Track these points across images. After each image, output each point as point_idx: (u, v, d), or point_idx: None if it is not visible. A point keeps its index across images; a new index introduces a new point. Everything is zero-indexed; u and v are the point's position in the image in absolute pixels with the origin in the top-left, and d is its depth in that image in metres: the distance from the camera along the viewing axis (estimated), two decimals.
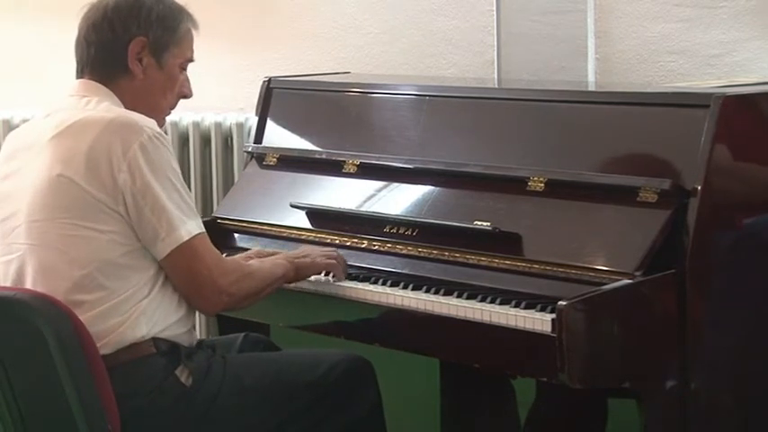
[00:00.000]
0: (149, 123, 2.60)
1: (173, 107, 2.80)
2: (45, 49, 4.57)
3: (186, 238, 2.57)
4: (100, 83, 2.70)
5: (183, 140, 4.16)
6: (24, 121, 4.25)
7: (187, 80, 2.80)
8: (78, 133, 2.58)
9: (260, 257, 2.90)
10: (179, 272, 2.61)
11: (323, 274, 2.92)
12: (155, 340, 2.59)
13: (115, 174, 2.53)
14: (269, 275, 2.76)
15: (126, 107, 2.68)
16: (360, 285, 2.89)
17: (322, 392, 2.74)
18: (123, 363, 2.55)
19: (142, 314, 2.57)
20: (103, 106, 2.64)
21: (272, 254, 2.92)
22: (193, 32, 2.78)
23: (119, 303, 2.56)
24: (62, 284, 2.53)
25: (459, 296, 2.75)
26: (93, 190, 2.54)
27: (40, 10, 4.59)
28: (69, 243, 2.55)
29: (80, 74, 2.73)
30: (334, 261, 2.90)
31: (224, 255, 2.80)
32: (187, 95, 2.80)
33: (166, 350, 2.61)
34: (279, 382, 2.72)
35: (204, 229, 2.64)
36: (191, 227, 2.59)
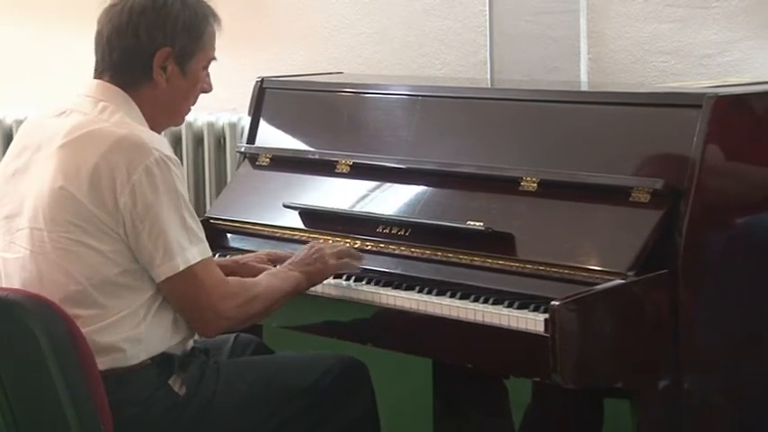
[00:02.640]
0: (159, 145, 2.55)
1: (193, 105, 2.76)
2: (40, 49, 4.56)
3: (182, 267, 2.53)
4: (120, 87, 2.63)
5: (175, 141, 4.16)
6: (18, 122, 4.24)
7: (208, 76, 2.74)
8: (86, 147, 2.53)
9: (272, 259, 2.90)
10: (176, 297, 2.58)
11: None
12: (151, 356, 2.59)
13: (117, 196, 2.50)
14: (276, 294, 2.71)
15: (145, 113, 2.64)
16: (352, 285, 2.89)
17: (317, 396, 2.74)
18: (117, 373, 2.53)
19: (140, 342, 2.55)
20: (117, 118, 2.58)
21: (287, 256, 2.89)
22: (217, 31, 2.72)
23: (114, 323, 2.53)
24: (56, 296, 2.49)
25: (451, 296, 2.75)
26: (95, 208, 2.51)
27: (37, 11, 4.59)
28: (67, 257, 2.53)
29: (99, 74, 2.66)
30: (346, 260, 2.86)
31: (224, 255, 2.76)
32: (207, 90, 2.75)
33: (160, 361, 2.59)
34: (273, 387, 2.71)
35: (208, 253, 2.59)
36: (191, 254, 2.54)
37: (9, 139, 4.18)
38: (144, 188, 2.50)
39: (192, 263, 2.54)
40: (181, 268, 2.53)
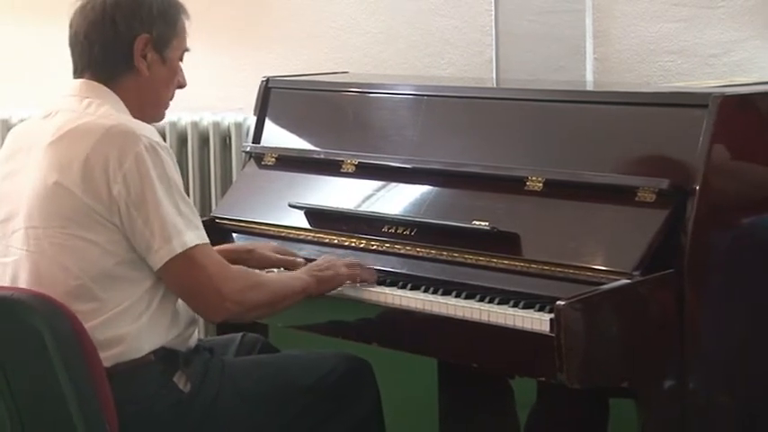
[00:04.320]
0: (148, 132, 2.56)
1: (172, 98, 2.77)
2: (42, 49, 4.56)
3: (179, 250, 2.53)
4: (102, 83, 2.66)
5: (181, 140, 4.16)
6: (22, 120, 4.25)
7: (181, 70, 2.77)
8: (76, 140, 2.55)
9: (279, 252, 2.93)
10: (177, 282, 2.58)
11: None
12: (153, 350, 2.59)
13: (111, 184, 2.50)
14: (283, 288, 2.72)
15: (129, 105, 2.66)
16: (358, 285, 2.88)
17: (321, 395, 2.74)
18: (121, 369, 2.54)
19: (143, 332, 2.55)
20: (103, 111, 2.60)
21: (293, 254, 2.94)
22: (186, 23, 2.76)
23: (115, 316, 2.53)
24: (55, 293, 2.49)
25: (457, 296, 2.75)
26: (89, 200, 2.51)
27: (36, 10, 4.59)
28: (64, 252, 2.53)
29: (78, 73, 2.69)
30: (357, 271, 2.86)
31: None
32: (183, 85, 2.77)
33: (164, 357, 2.60)
34: (277, 385, 2.71)
35: (206, 239, 2.59)
36: (187, 238, 2.54)
37: None
38: (136, 175, 2.51)
39: (190, 245, 2.54)
40: (178, 251, 2.53)
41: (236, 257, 2.91)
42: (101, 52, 2.66)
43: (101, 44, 2.66)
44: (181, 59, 2.76)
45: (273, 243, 3.06)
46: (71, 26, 2.70)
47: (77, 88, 2.67)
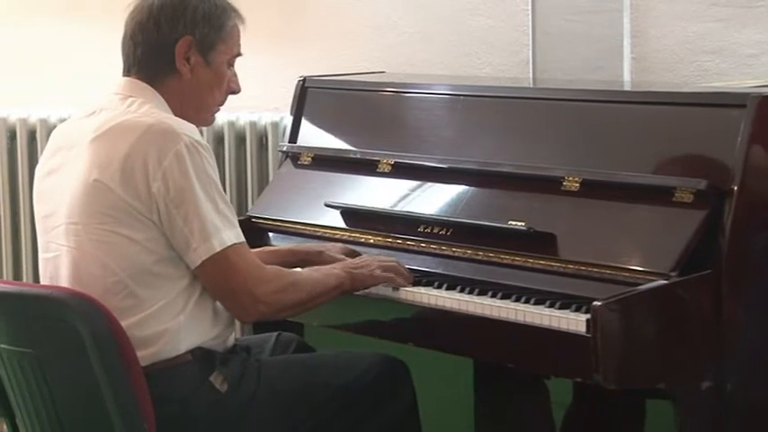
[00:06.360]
0: (188, 131, 2.57)
1: (221, 104, 2.77)
2: (81, 49, 4.59)
3: (218, 248, 2.54)
4: (146, 82, 2.67)
5: (218, 140, 4.18)
6: (61, 120, 4.27)
7: (235, 75, 2.77)
8: (116, 138, 2.56)
9: (347, 255, 2.92)
10: (212, 281, 2.59)
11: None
12: (191, 349, 2.60)
13: (150, 182, 2.52)
14: (317, 286, 2.71)
15: (173, 107, 2.67)
16: (392, 289, 2.88)
17: (357, 395, 2.74)
18: (158, 369, 2.55)
19: (181, 331, 2.56)
20: (145, 109, 2.61)
21: (356, 252, 2.94)
22: (240, 27, 2.76)
23: (153, 314, 2.55)
24: (94, 289, 2.51)
25: (493, 296, 2.74)
26: (128, 197, 2.53)
27: (83, 9, 4.62)
28: (103, 249, 2.55)
29: (126, 72, 2.71)
30: (392, 275, 2.84)
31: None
32: (235, 91, 2.77)
33: (201, 357, 2.61)
34: (313, 385, 2.71)
35: (242, 238, 2.60)
36: (225, 237, 2.55)
37: None
38: (175, 173, 2.52)
39: (228, 244, 2.55)
40: (217, 249, 2.54)
41: (307, 258, 2.93)
42: (144, 53, 2.68)
43: (144, 45, 2.68)
44: (231, 65, 2.75)
45: (340, 245, 3.05)
46: (124, 26, 2.72)
47: (122, 86, 2.69)
